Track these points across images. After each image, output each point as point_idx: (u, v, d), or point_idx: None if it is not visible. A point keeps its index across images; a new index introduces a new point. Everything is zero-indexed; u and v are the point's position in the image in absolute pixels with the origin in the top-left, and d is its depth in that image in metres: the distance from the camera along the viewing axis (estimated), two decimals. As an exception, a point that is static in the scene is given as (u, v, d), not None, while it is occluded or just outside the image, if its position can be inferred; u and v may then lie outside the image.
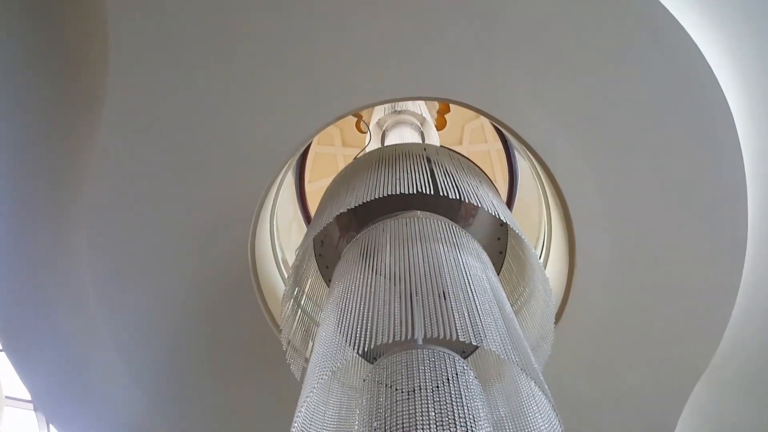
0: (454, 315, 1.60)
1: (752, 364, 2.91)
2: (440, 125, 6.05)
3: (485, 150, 6.31)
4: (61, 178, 2.81)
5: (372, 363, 1.86)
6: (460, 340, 1.50)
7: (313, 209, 4.83)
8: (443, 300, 1.74)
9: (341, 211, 2.12)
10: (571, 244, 2.92)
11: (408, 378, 1.63)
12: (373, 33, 2.51)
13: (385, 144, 4.30)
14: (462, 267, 1.93)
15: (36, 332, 3.09)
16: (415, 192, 2.12)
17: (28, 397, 4.31)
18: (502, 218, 2.15)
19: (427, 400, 1.56)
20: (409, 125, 4.38)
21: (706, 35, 2.49)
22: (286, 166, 2.89)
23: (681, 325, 2.93)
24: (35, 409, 4.70)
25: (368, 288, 1.85)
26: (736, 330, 2.87)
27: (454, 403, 1.53)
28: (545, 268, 3.12)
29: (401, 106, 4.52)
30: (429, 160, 2.45)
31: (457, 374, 1.65)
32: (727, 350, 2.90)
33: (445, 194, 2.13)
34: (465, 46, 2.53)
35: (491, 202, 2.21)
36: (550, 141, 2.72)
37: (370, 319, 1.66)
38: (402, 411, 1.55)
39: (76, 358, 3.12)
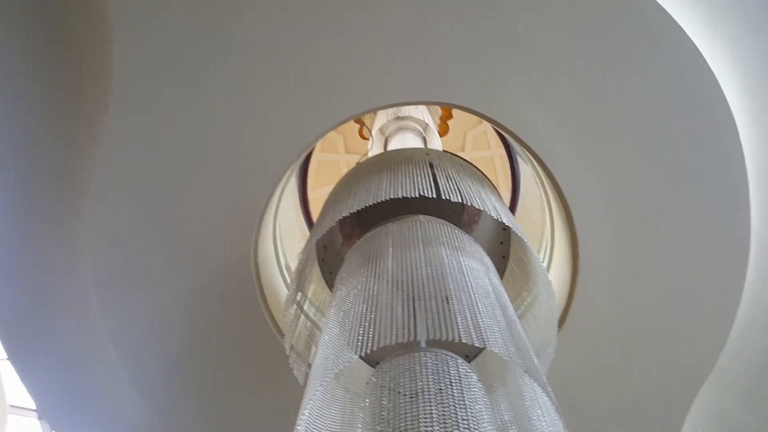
0: (456, 317, 1.60)
1: (756, 367, 2.89)
2: (443, 131, 6.07)
3: (488, 156, 6.32)
4: (63, 187, 2.82)
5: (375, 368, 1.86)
6: (463, 341, 1.50)
7: (316, 216, 4.83)
8: (446, 304, 1.73)
9: (344, 215, 2.12)
10: (574, 248, 2.92)
11: (411, 381, 1.63)
12: (376, 37, 2.53)
13: (388, 150, 4.30)
14: (464, 270, 1.93)
15: (40, 341, 3.09)
16: (417, 196, 2.12)
17: (32, 405, 4.31)
18: (504, 221, 2.15)
19: (431, 403, 1.55)
20: (411, 131, 4.39)
21: (708, 39, 2.49)
22: (288, 172, 2.90)
23: (685, 328, 2.92)
24: (39, 418, 4.70)
25: (371, 291, 1.85)
26: (740, 333, 2.86)
27: (457, 406, 1.52)
28: (548, 273, 3.11)
29: (404, 112, 4.53)
30: (432, 165, 2.45)
31: (460, 377, 1.64)
32: (731, 353, 2.88)
33: (448, 198, 2.12)
34: (467, 51, 2.55)
35: (493, 206, 2.21)
36: (553, 145, 2.73)
37: (373, 321, 1.66)
38: (405, 414, 1.55)
39: (80, 366, 3.12)
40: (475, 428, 1.46)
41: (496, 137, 6.33)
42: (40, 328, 3.06)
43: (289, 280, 3.27)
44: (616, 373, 3.04)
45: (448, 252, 2.04)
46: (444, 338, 1.53)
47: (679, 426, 3.02)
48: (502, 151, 5.73)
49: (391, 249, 2.07)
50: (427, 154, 2.66)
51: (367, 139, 6.12)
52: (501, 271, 2.74)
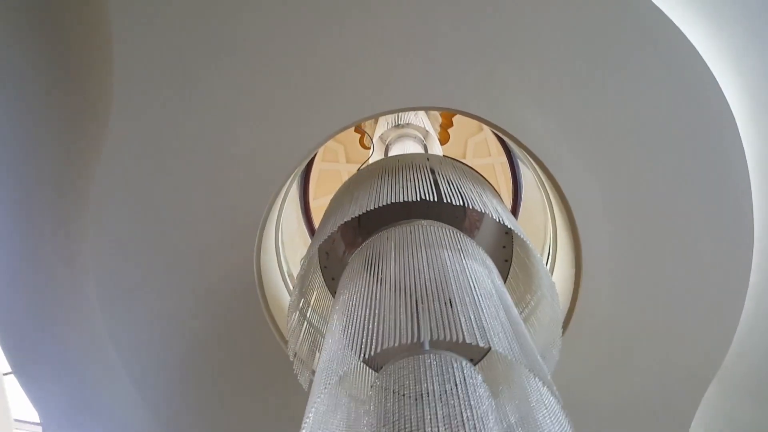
0: (460, 318, 1.60)
1: (761, 368, 2.87)
2: (443, 140, 6.08)
3: (489, 163, 6.34)
4: (64, 196, 2.83)
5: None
6: (467, 341, 1.50)
7: (317, 224, 4.84)
8: (449, 307, 1.73)
9: (345, 220, 2.12)
10: (577, 250, 2.92)
11: (415, 383, 1.62)
12: (376, 42, 2.54)
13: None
14: (467, 272, 1.93)
15: (44, 353, 3.09)
16: (418, 199, 2.12)
17: (37, 419, 4.30)
18: (506, 223, 2.15)
19: (436, 405, 1.55)
20: (412, 138, 4.40)
21: (706, 39, 2.50)
22: (290, 179, 2.91)
23: (689, 329, 2.91)
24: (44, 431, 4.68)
25: (373, 295, 1.85)
26: (745, 333, 2.85)
27: (462, 407, 1.52)
28: (551, 277, 3.11)
29: (404, 119, 4.55)
30: (432, 170, 2.45)
31: (464, 378, 1.64)
32: (736, 354, 2.87)
33: (449, 200, 2.13)
34: (466, 55, 2.56)
35: (495, 208, 2.21)
36: (554, 147, 2.73)
37: (376, 324, 1.66)
38: (410, 416, 1.54)
39: (84, 377, 3.12)
40: (481, 428, 1.45)
41: (496, 144, 6.35)
42: (44, 340, 3.06)
43: (291, 287, 3.27)
44: (621, 375, 3.02)
45: (450, 255, 2.04)
46: (447, 338, 1.52)
47: (686, 427, 3.00)
48: (503, 158, 5.75)
49: (393, 252, 2.08)
50: (428, 159, 2.66)
51: (368, 148, 6.14)
52: (504, 274, 2.74)
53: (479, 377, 1.71)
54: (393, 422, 1.53)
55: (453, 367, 1.66)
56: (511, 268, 2.79)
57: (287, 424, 2.77)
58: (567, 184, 2.79)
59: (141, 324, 2.90)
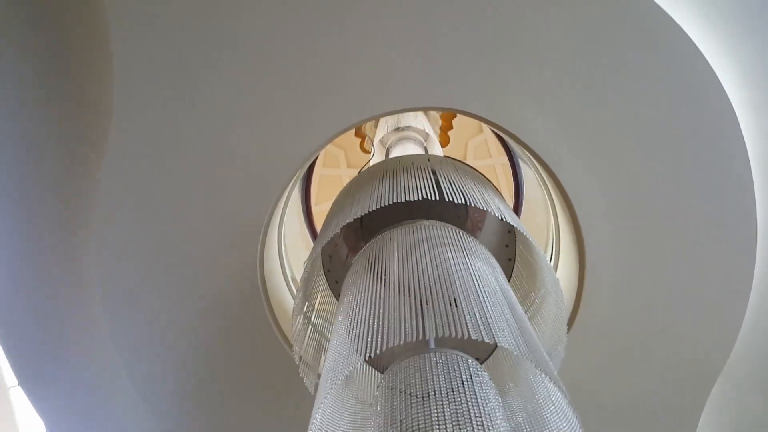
0: (465, 315, 1.59)
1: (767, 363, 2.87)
2: (444, 142, 6.08)
3: (490, 164, 6.33)
4: (68, 200, 2.83)
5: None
6: (472, 337, 1.49)
7: (319, 229, 4.84)
8: (454, 306, 1.73)
9: (348, 221, 2.12)
10: (580, 248, 2.91)
11: (422, 381, 1.62)
12: (377, 42, 2.54)
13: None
14: (471, 270, 1.93)
15: (50, 365, 3.08)
16: (420, 199, 2.12)
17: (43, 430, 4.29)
18: (508, 221, 2.14)
19: (443, 403, 1.54)
20: (412, 141, 4.40)
21: (706, 36, 2.50)
22: (292, 181, 2.91)
23: (695, 326, 2.90)
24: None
25: (378, 294, 1.85)
26: (750, 329, 2.84)
27: (469, 404, 1.51)
28: (555, 274, 3.10)
29: (404, 122, 4.55)
30: (434, 170, 2.45)
31: (471, 376, 1.63)
32: (742, 350, 2.86)
33: (451, 199, 2.12)
34: (467, 54, 2.56)
35: (497, 206, 2.21)
36: (555, 146, 2.73)
37: (381, 323, 1.65)
38: (417, 416, 1.54)
39: (90, 387, 3.11)
40: (488, 425, 1.45)
41: (497, 146, 6.35)
42: (49, 349, 3.06)
43: (295, 291, 3.27)
44: (625, 373, 3.01)
45: (453, 253, 2.03)
46: (453, 335, 1.52)
47: (695, 423, 2.98)
48: (504, 159, 5.75)
49: (396, 252, 2.07)
50: (429, 159, 2.66)
51: (368, 152, 6.14)
52: (507, 273, 2.73)
53: (486, 375, 1.70)
54: (400, 422, 1.52)
55: (459, 365, 1.66)
56: (515, 266, 2.79)
57: (292, 428, 2.77)
58: (569, 183, 2.79)
59: (145, 330, 2.90)
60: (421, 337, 1.54)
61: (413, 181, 2.26)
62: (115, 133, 2.61)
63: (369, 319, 1.70)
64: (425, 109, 3.43)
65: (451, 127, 6.24)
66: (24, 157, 2.78)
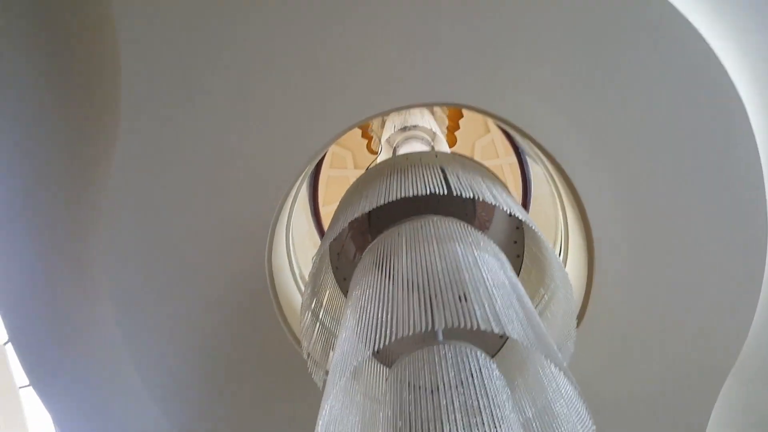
0: (474, 306, 1.59)
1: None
2: (451, 142, 6.09)
3: (497, 164, 6.33)
4: (77, 205, 2.86)
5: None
6: (481, 328, 1.48)
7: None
8: (463, 301, 1.72)
9: (356, 216, 2.11)
10: (589, 245, 2.90)
11: (431, 373, 1.61)
12: (380, 38, 2.54)
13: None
14: (480, 264, 1.92)
15: (61, 365, 3.10)
16: (429, 193, 2.11)
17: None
18: (516, 214, 2.13)
19: (452, 394, 1.54)
20: (419, 140, 4.40)
21: (716, 32, 2.49)
22: (300, 179, 2.91)
23: (705, 322, 2.88)
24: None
25: (386, 288, 1.84)
26: (762, 325, 2.81)
27: (478, 395, 1.51)
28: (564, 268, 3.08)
29: (411, 121, 4.55)
30: (442, 166, 2.44)
31: (480, 368, 1.63)
32: (753, 346, 2.84)
33: (459, 194, 2.11)
34: (473, 49, 2.56)
35: (505, 201, 2.20)
36: (564, 141, 2.72)
37: (390, 315, 1.65)
38: (426, 408, 1.53)
39: (101, 387, 3.13)
40: (498, 415, 1.44)
41: (504, 146, 6.34)
42: (60, 352, 3.07)
43: (303, 289, 3.26)
44: (636, 369, 2.99)
45: (462, 247, 2.02)
46: (462, 326, 1.51)
47: (705, 420, 2.96)
48: (511, 159, 5.74)
49: (404, 247, 2.07)
50: (437, 156, 2.66)
51: (375, 153, 6.15)
52: (516, 270, 2.72)
53: (495, 367, 1.69)
54: (409, 413, 1.52)
55: (468, 357, 1.65)
56: (523, 263, 2.77)
57: (301, 424, 2.76)
58: (578, 179, 2.78)
59: (154, 329, 2.91)
60: (430, 328, 1.53)
61: (421, 176, 2.25)
62: (123, 135, 2.62)
63: (378, 312, 1.69)
64: (432, 105, 3.42)
65: (458, 127, 6.24)
66: (32, 160, 2.81)
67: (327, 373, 2.34)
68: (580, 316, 2.90)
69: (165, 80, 2.54)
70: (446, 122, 5.83)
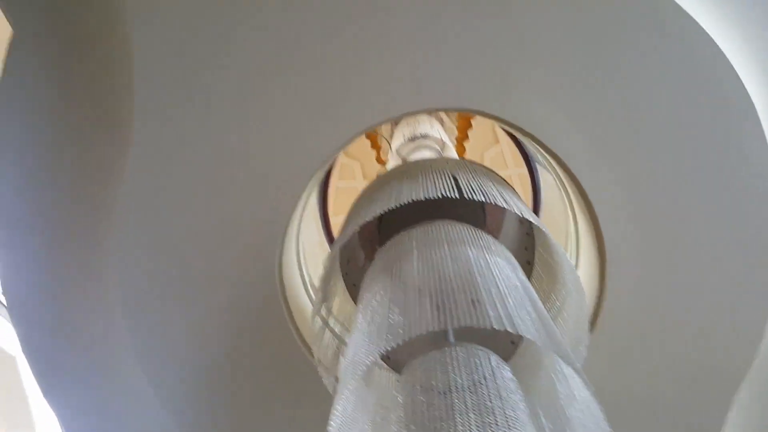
0: (486, 307, 1.58)
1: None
2: (459, 153, 6.09)
3: (506, 175, 6.29)
4: (89, 210, 2.87)
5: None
6: (495, 328, 1.48)
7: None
8: (476, 305, 1.71)
9: (368, 219, 2.12)
10: (601, 251, 2.88)
11: (443, 374, 1.60)
12: (385, 43, 2.56)
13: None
14: (492, 267, 1.91)
15: (72, 373, 3.10)
16: (440, 196, 2.11)
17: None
18: (528, 218, 2.13)
19: (465, 396, 1.53)
20: (428, 149, 4.42)
21: (725, 33, 2.49)
22: (311, 184, 2.91)
23: (719, 328, 2.84)
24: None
25: (398, 289, 1.84)
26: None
27: (492, 396, 1.50)
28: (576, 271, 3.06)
29: (420, 131, 4.57)
30: (452, 171, 2.44)
31: (493, 370, 1.62)
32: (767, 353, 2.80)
33: (471, 197, 2.11)
34: (481, 53, 2.57)
35: (516, 204, 2.20)
36: (574, 146, 2.71)
37: (401, 314, 1.64)
38: (439, 408, 1.52)
39: (109, 392, 3.12)
40: (512, 416, 1.43)
41: (513, 156, 6.35)
42: (73, 361, 3.07)
43: (314, 297, 3.26)
44: (649, 376, 2.95)
45: (474, 251, 2.02)
46: (475, 325, 1.50)
47: (718, 429, 2.91)
48: (520, 170, 5.74)
49: (415, 251, 2.07)
50: (447, 162, 2.67)
51: (383, 162, 6.17)
52: (527, 276, 2.71)
53: (508, 370, 1.68)
54: (422, 414, 1.51)
55: (481, 359, 1.64)
56: (534, 269, 2.77)
57: (312, 430, 2.74)
58: (590, 184, 2.77)
59: (165, 335, 2.91)
60: (443, 327, 1.53)
61: (432, 180, 2.26)
62: (136, 141, 2.65)
63: (389, 312, 1.69)
64: (441, 110, 3.43)
65: (466, 137, 6.25)
66: (45, 168, 2.83)
67: (337, 379, 2.34)
68: (592, 322, 2.88)
69: (177, 85, 2.56)
70: (455, 132, 5.85)
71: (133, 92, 2.54)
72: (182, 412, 3.01)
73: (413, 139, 4.62)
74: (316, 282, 3.41)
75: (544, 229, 2.15)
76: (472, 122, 6.23)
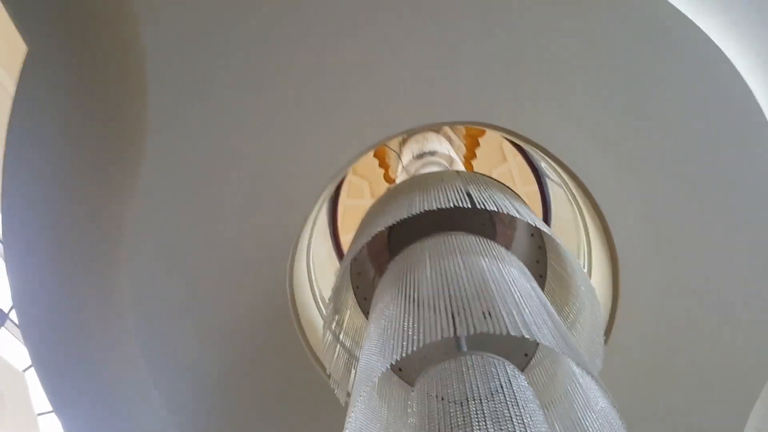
0: (502, 314, 1.56)
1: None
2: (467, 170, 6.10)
3: (515, 193, 6.30)
4: (101, 223, 2.88)
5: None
6: (511, 334, 1.46)
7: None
8: (491, 313, 1.69)
9: (380, 229, 2.11)
10: (614, 266, 2.86)
11: (459, 384, 1.58)
12: (399, 56, 2.58)
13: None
14: (505, 276, 1.90)
15: (83, 388, 3.08)
16: (452, 206, 2.10)
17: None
18: (540, 227, 2.12)
19: (481, 405, 1.51)
20: (437, 165, 4.42)
21: (732, 41, 2.50)
22: (321, 198, 2.92)
23: (736, 339, 2.80)
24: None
25: (411, 298, 1.83)
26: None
27: (509, 404, 1.47)
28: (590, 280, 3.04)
29: (429, 147, 4.59)
30: (464, 183, 2.44)
31: (509, 379, 1.60)
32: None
33: (483, 207, 2.11)
34: (493, 67, 2.58)
35: (528, 214, 2.19)
36: (589, 162, 2.71)
37: (415, 323, 1.63)
38: (456, 416, 1.50)
39: (120, 405, 3.10)
40: (530, 424, 1.40)
41: (521, 174, 6.32)
42: (84, 375, 3.06)
43: (324, 311, 3.25)
44: (665, 387, 2.90)
45: (487, 260, 2.01)
46: (491, 332, 1.48)
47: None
48: (529, 188, 5.71)
49: (428, 260, 2.06)
50: (458, 174, 2.67)
51: (392, 181, 6.18)
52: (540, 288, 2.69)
53: (524, 378, 1.66)
54: (438, 420, 1.49)
55: (497, 368, 1.62)
56: (547, 282, 2.74)
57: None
58: (602, 198, 2.76)
59: (175, 347, 2.90)
60: (457, 334, 1.51)
61: (444, 191, 2.26)
62: (149, 153, 2.66)
63: (403, 320, 1.68)
64: (454, 124, 3.43)
65: (474, 156, 6.27)
66: (57, 183, 2.85)
67: (349, 394, 2.31)
68: (606, 335, 2.85)
69: (189, 95, 2.58)
70: (463, 150, 5.86)
71: (147, 108, 2.57)
72: (190, 421, 2.99)
73: (421, 155, 4.63)
74: (326, 296, 3.40)
75: (557, 240, 2.13)
76: (480, 140, 6.24)
